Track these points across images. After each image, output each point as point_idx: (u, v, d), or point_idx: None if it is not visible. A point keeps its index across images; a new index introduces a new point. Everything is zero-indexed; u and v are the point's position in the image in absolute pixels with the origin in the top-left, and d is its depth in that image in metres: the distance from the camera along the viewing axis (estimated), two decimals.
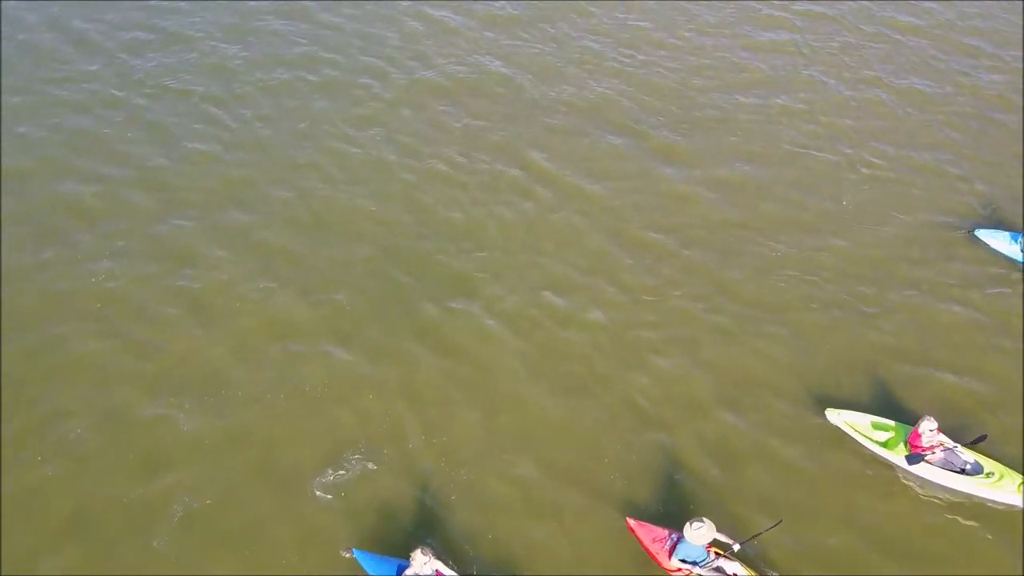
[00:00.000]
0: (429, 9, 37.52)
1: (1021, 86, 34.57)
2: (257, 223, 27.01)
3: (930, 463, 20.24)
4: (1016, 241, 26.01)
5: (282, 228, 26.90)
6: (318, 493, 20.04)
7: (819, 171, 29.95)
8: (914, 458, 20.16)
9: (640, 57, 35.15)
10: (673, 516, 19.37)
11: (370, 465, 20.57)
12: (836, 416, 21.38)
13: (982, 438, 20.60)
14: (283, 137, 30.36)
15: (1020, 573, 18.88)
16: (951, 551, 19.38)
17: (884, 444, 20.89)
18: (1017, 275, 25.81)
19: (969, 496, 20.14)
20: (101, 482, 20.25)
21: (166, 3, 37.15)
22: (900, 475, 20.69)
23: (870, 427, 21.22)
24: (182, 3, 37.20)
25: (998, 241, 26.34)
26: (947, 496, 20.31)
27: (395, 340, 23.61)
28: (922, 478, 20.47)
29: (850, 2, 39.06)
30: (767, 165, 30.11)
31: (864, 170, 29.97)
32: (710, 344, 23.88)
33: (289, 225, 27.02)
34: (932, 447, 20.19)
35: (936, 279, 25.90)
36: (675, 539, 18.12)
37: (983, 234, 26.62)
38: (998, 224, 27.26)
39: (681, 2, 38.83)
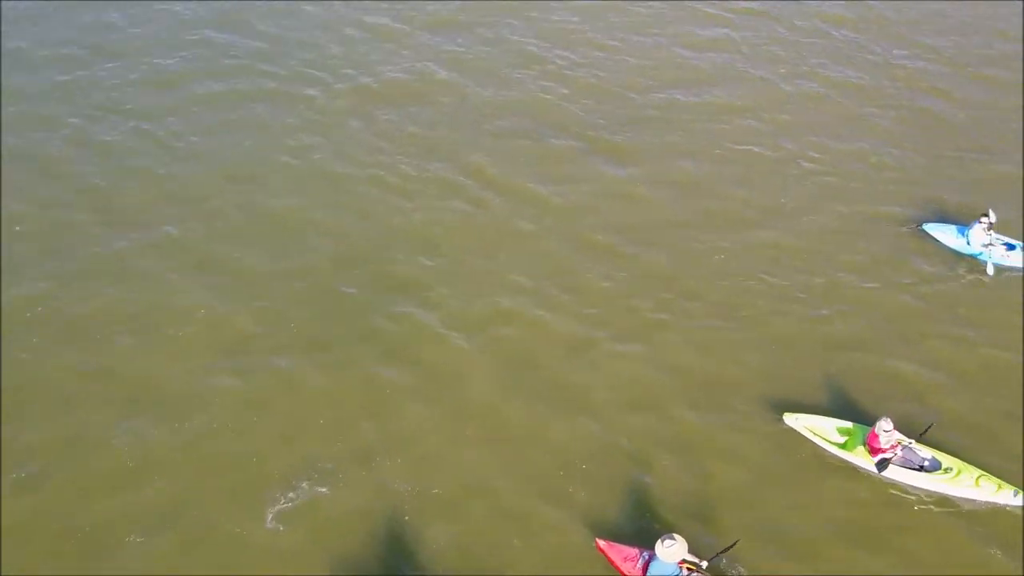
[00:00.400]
0: (368, 17, 37.19)
1: (957, 76, 35.03)
2: (200, 237, 26.47)
3: (891, 463, 20.26)
4: (962, 234, 26.14)
5: (226, 241, 26.36)
6: (271, 523, 19.38)
7: (761, 167, 29.97)
8: (882, 464, 20.14)
9: (580, 59, 35.04)
10: (644, 532, 19.06)
11: (322, 489, 19.97)
12: (794, 420, 21.33)
13: (929, 426, 20.61)
14: (224, 150, 29.83)
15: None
16: (919, 542, 19.38)
17: (843, 446, 20.87)
18: (963, 267, 26.00)
19: (929, 492, 20.15)
20: (54, 504, 19.60)
21: (101, 18, 36.51)
22: (863, 472, 20.62)
23: (828, 430, 21.18)
24: (115, 16, 36.59)
25: (945, 235, 26.51)
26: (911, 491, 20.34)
27: (347, 352, 23.14)
28: (882, 477, 20.46)
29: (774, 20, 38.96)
30: (710, 163, 30.07)
31: (806, 164, 30.05)
32: (665, 346, 23.68)
33: (233, 238, 26.49)
34: (892, 447, 20.20)
35: (883, 272, 25.97)
36: (647, 557, 17.91)
37: (931, 228, 26.78)
38: (943, 218, 27.40)
39: (618, 2, 38.71)
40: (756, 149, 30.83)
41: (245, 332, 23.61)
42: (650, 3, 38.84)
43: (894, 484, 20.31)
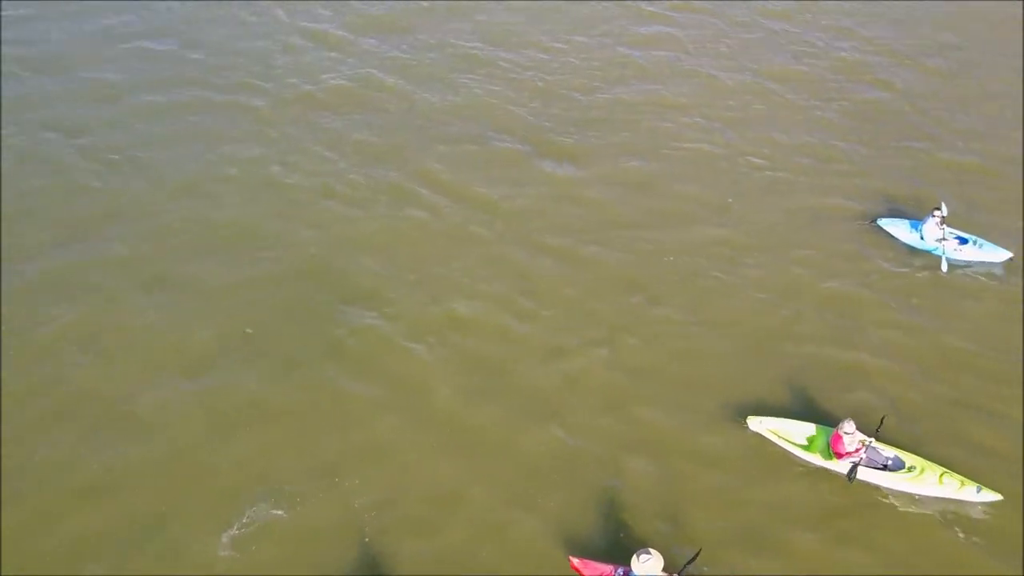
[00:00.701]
0: (309, 24, 36.80)
1: (898, 67, 35.29)
2: (151, 253, 25.93)
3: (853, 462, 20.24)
4: (916, 229, 26.25)
5: (177, 257, 25.85)
6: (230, 544, 18.95)
7: (710, 164, 29.91)
8: (851, 473, 20.06)
9: (525, 61, 34.85)
10: (617, 545, 18.84)
11: (282, 511, 19.48)
12: (758, 424, 21.22)
13: (883, 419, 20.57)
14: (169, 163, 29.25)
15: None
16: (892, 538, 19.34)
17: (807, 448, 20.80)
18: (919, 261, 26.08)
19: (893, 491, 20.15)
20: (15, 527, 19.17)
21: (35, 31, 35.79)
22: (831, 472, 20.55)
23: (792, 432, 21.10)
24: (49, 29, 35.92)
25: (899, 229, 26.60)
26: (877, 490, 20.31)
27: (308, 365, 22.71)
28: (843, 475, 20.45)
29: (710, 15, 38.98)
30: (659, 161, 29.97)
31: (754, 160, 30.05)
32: (627, 349, 23.48)
33: (184, 253, 25.99)
34: (856, 450, 20.16)
35: (838, 267, 25.96)
36: (622, 573, 17.72)
37: (885, 223, 26.85)
38: (895, 211, 27.51)
39: (559, 2, 38.58)
40: (704, 146, 30.74)
41: (202, 349, 23.10)
42: (591, 3, 38.74)
43: (862, 483, 20.20)
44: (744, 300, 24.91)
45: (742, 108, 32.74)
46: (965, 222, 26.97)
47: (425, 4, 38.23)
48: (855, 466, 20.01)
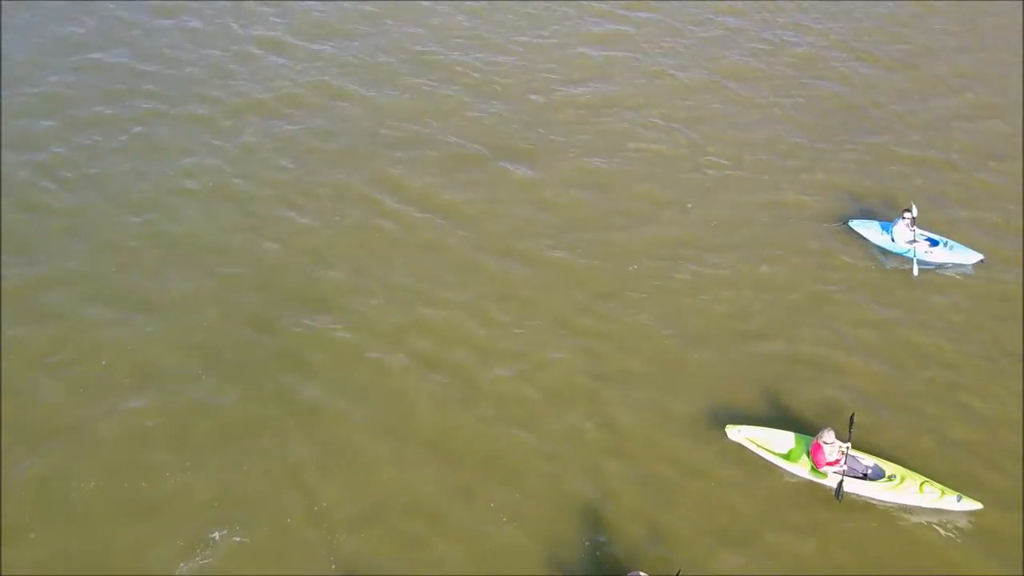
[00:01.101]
0: (258, 31, 35.96)
1: (851, 59, 35.28)
2: (105, 269, 25.14)
3: (836, 474, 19.97)
4: (887, 231, 26.00)
5: (132, 272, 25.06)
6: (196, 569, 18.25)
7: (670, 163, 29.62)
8: (839, 491, 19.67)
9: (479, 62, 34.31)
10: (601, 561, 18.50)
11: (242, 537, 18.75)
12: (736, 433, 20.90)
13: (852, 417, 20.25)
14: (120, 177, 28.35)
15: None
16: (878, 544, 19.22)
17: (787, 457, 20.51)
18: (891, 262, 25.92)
19: (874, 500, 19.94)
20: None
21: None
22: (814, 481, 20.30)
23: (771, 441, 20.80)
24: None
25: (870, 231, 26.33)
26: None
27: (268, 377, 22.07)
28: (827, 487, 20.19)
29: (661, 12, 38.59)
30: (617, 162, 29.61)
31: (714, 158, 29.81)
32: (598, 354, 23.12)
33: (139, 268, 25.20)
34: (836, 460, 19.89)
35: (808, 267, 25.75)
36: None
37: (856, 225, 26.57)
38: (864, 209, 27.34)
39: (511, 2, 38.03)
40: (663, 147, 30.41)
41: (162, 364, 22.35)
42: (543, 2, 38.30)
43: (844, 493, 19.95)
44: (713, 301, 24.59)
45: (700, 106, 32.42)
46: (929, 219, 26.80)
47: (377, 9, 37.51)
48: (841, 483, 19.70)
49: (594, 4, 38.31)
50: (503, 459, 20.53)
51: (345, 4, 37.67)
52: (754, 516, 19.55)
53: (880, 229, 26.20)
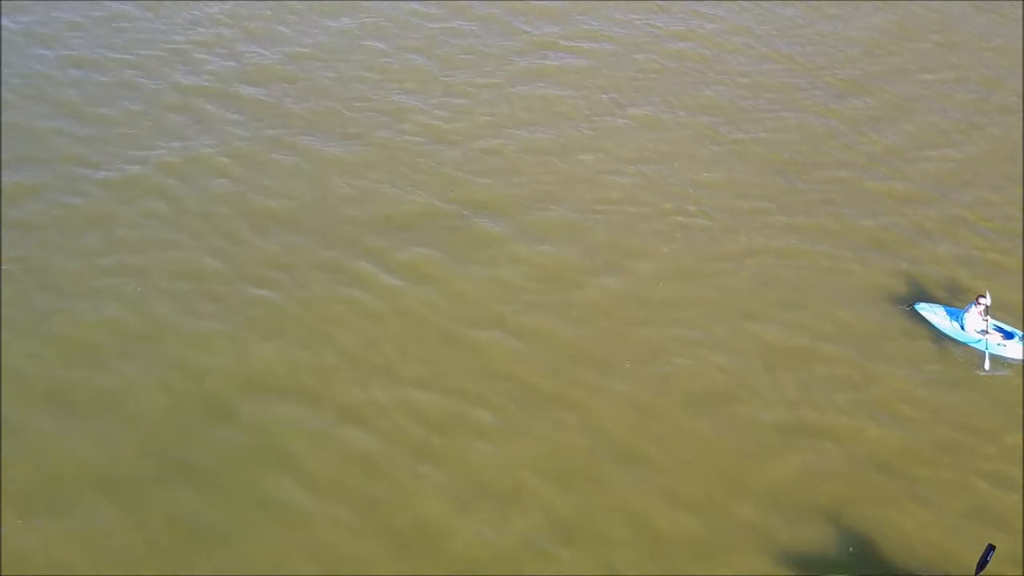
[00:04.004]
0: (184, 77, 31.20)
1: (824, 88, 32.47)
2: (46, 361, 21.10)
3: None
4: (956, 318, 22.34)
5: (77, 365, 21.07)
6: None
7: (640, 215, 26.20)
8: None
9: (429, 107, 30.34)
10: None
11: None
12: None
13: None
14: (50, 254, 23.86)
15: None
16: None
17: None
18: (959, 352, 22.06)
19: None
20: None
21: None
22: None
23: None
24: None
25: (937, 317, 22.67)
26: None
27: (228, 472, 18.83)
28: None
29: (610, 42, 34.75)
30: (585, 213, 26.21)
31: (690, 207, 26.59)
32: (594, 421, 20.11)
33: (84, 361, 21.22)
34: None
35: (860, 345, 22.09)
36: None
37: (922, 309, 22.88)
38: (932, 299, 23.61)
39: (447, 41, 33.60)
40: (640, 197, 26.97)
41: (117, 466, 18.93)
42: (491, 40, 34.19)
43: None
44: (698, 370, 21.46)
45: (672, 149, 29.00)
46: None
47: (307, 50, 33.15)
48: None
49: (532, 36, 34.47)
50: (497, 548, 17.70)
51: (285, 48, 33.22)
52: None
53: (948, 316, 22.50)
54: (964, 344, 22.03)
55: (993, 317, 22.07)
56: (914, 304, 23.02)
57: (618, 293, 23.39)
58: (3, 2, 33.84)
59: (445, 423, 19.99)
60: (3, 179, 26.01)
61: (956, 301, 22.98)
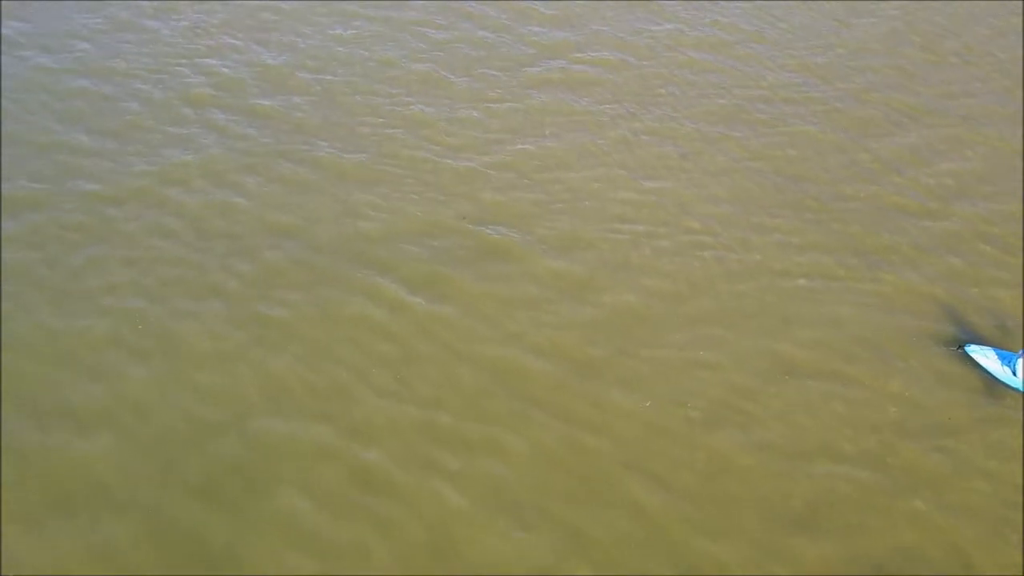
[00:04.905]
0: (192, 90, 29.91)
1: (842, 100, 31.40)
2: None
3: None
4: (1009, 363, 20.85)
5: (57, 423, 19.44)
6: None
7: (660, 247, 24.69)
8: None
9: (417, 140, 28.60)
10: None
11: None
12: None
13: None
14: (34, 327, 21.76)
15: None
16: None
17: None
18: (1009, 400, 20.77)
19: None
20: None
21: None
22: None
23: None
24: None
25: (989, 361, 21.17)
26: None
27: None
28: None
29: (623, 51, 33.74)
30: (604, 247, 24.68)
31: (706, 238, 25.04)
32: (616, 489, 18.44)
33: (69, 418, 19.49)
34: None
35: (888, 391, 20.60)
36: None
37: (973, 351, 21.39)
38: (983, 340, 22.19)
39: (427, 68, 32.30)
40: (654, 210, 25.85)
41: (118, 483, 18.02)
42: (473, 68, 32.60)
43: None
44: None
45: (677, 157, 27.99)
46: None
47: (316, 62, 31.99)
48: None
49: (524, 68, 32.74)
50: None
51: (293, 58, 32.21)
52: None
53: (1000, 360, 21.03)
54: (1015, 390, 20.78)
55: None
56: (965, 345, 21.68)
57: (634, 311, 22.41)
58: (4, 10, 32.74)
59: (460, 442, 19.25)
60: (5, 192, 24.78)
61: (988, 319, 22.07)
